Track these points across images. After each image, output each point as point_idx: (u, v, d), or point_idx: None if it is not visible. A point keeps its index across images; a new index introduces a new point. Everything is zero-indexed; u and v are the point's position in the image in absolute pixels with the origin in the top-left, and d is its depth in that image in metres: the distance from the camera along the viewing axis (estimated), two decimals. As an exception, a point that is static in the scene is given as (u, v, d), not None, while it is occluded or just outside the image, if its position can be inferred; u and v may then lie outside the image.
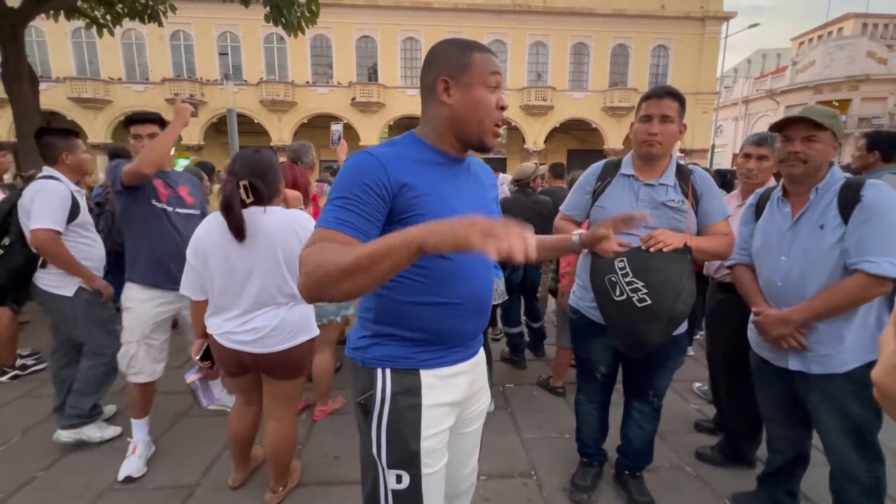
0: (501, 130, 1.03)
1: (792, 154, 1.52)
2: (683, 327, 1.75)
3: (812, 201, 1.53)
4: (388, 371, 1.02)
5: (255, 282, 1.69)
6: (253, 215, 1.67)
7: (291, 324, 1.75)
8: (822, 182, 1.52)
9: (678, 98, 1.63)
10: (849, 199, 1.45)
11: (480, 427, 1.25)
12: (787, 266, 1.56)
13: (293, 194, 2.33)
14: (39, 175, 2.31)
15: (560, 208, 1.96)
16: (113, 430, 2.46)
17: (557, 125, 23.14)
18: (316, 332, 1.89)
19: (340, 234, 0.85)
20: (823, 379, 1.51)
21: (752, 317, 1.68)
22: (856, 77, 25.56)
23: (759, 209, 1.75)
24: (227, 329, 1.72)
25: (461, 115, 0.98)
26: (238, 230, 1.63)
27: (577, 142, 25.11)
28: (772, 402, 1.76)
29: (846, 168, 2.72)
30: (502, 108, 1.01)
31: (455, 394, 1.08)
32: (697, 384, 3.12)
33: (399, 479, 1.02)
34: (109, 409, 2.69)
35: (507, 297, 2.63)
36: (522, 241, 0.64)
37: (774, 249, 1.62)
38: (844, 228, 1.44)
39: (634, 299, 1.54)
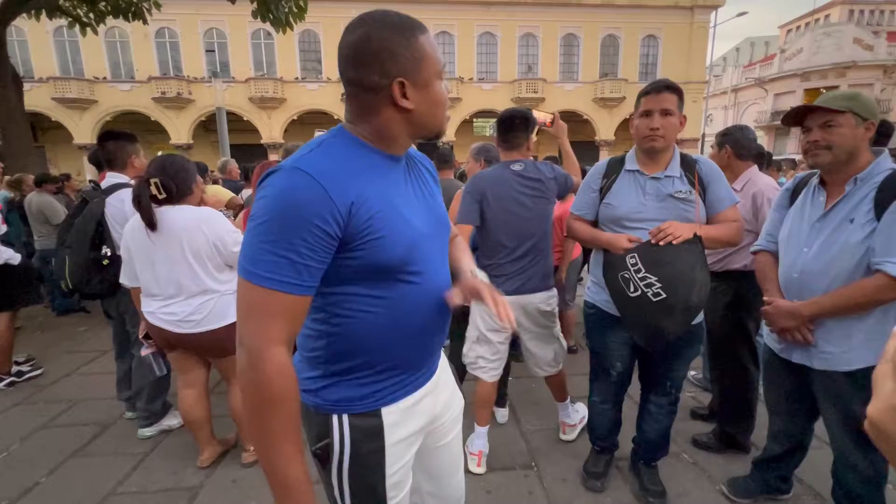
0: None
1: (812, 143, 1.43)
2: (700, 316, 1.75)
3: (848, 192, 1.42)
4: (345, 417, 0.90)
5: (168, 272, 1.93)
6: (163, 212, 1.89)
7: (206, 311, 1.96)
8: (864, 172, 1.40)
9: (676, 91, 1.63)
10: (887, 194, 1.33)
11: (460, 433, 1.17)
12: (808, 259, 1.48)
13: (213, 199, 2.45)
14: (111, 182, 2.37)
15: (570, 209, 1.95)
16: None
17: (549, 117, 23.11)
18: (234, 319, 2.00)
19: (292, 298, 0.75)
20: (826, 375, 1.50)
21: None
22: (842, 64, 25.74)
23: (794, 195, 1.65)
24: (152, 309, 1.99)
25: (423, 118, 0.86)
26: (149, 221, 1.85)
27: (570, 133, 24.77)
28: (776, 393, 1.75)
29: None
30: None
31: (421, 420, 1.00)
32: (692, 372, 3.18)
33: None
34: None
35: None
36: None
37: (799, 239, 1.53)
38: (875, 224, 1.34)
39: (649, 294, 1.53)
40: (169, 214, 1.89)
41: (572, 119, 23.96)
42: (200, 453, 2.23)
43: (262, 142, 21.71)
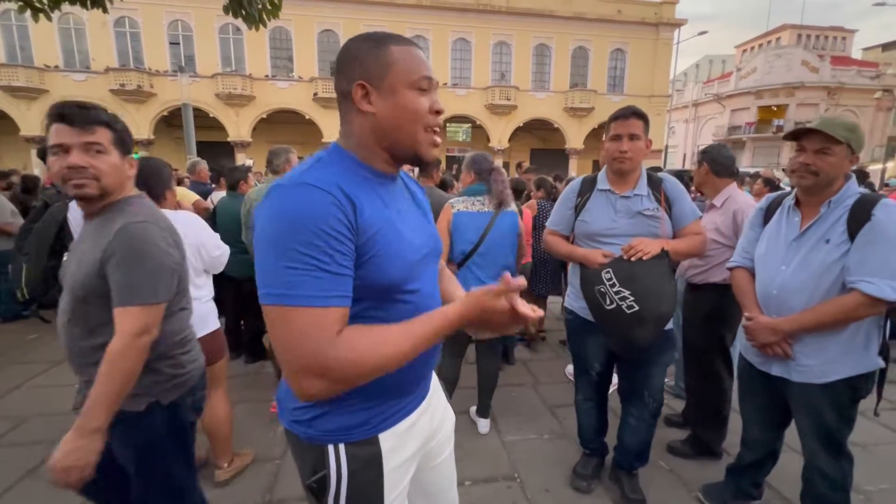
0: (438, 139, 0.88)
1: (802, 165, 1.49)
2: (670, 324, 1.85)
3: (822, 214, 1.50)
4: (341, 446, 0.86)
5: None
6: None
7: None
8: (836, 196, 1.48)
9: (642, 117, 1.78)
10: (859, 217, 1.41)
11: (452, 451, 1.16)
12: (786, 277, 1.55)
13: (185, 204, 2.39)
14: None
15: (546, 224, 2.06)
16: None
17: (521, 124, 23.50)
18: (213, 327, 1.99)
19: (339, 311, 0.73)
20: (803, 387, 1.57)
21: (743, 320, 1.72)
22: (792, 84, 27.55)
23: (768, 214, 1.73)
24: None
25: (387, 126, 0.83)
26: None
27: (540, 141, 25.62)
28: (752, 404, 1.83)
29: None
30: (437, 113, 0.86)
31: (417, 441, 0.98)
32: (665, 380, 3.28)
33: None
34: None
35: None
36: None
37: (776, 258, 1.60)
38: (849, 245, 1.42)
39: (623, 307, 1.63)
40: None
41: (544, 127, 24.52)
42: None
43: (228, 139, 20.98)
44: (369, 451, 0.89)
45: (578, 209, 1.91)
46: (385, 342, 0.75)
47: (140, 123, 20.18)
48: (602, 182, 1.87)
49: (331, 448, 0.86)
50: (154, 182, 1.84)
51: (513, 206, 2.51)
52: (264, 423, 2.67)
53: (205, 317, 1.93)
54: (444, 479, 1.15)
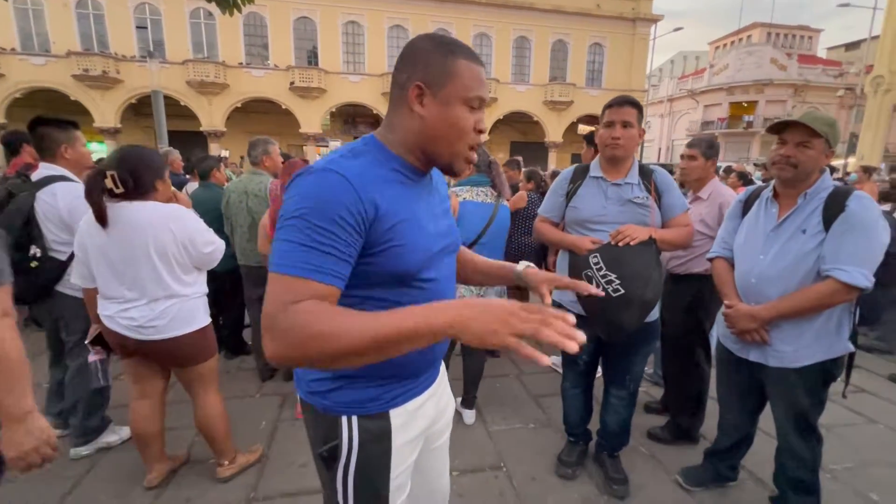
0: (475, 156, 0.91)
1: (783, 157, 1.54)
2: (655, 314, 1.90)
3: (799, 206, 1.57)
4: (354, 418, 0.92)
5: (128, 272, 1.75)
6: (120, 207, 1.72)
7: (168, 317, 1.79)
8: (812, 188, 1.55)
9: (636, 106, 1.79)
10: (833, 208, 1.48)
11: (448, 437, 1.21)
12: (764, 265, 1.61)
13: (184, 199, 2.30)
14: (44, 174, 2.09)
15: (538, 211, 2.08)
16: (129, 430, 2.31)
17: (501, 117, 23.55)
18: (203, 323, 1.91)
19: (318, 286, 0.72)
20: (779, 371, 1.64)
21: (722, 308, 1.78)
22: (761, 81, 28.39)
23: (746, 206, 1.80)
24: (110, 313, 1.79)
25: (432, 132, 0.85)
26: (99, 216, 1.68)
27: (520, 134, 25.74)
28: (729, 390, 1.91)
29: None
30: (479, 132, 0.89)
31: (424, 422, 1.03)
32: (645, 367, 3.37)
33: None
34: None
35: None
36: (566, 329, 0.69)
37: (755, 248, 1.66)
38: (824, 235, 1.48)
39: (609, 290, 1.67)
40: (128, 211, 1.72)
41: (523, 120, 24.63)
42: (148, 472, 2.04)
43: (201, 129, 20.30)
44: (380, 426, 0.93)
45: (570, 196, 1.93)
46: (341, 321, 0.68)
47: (106, 111, 19.33)
48: (595, 170, 1.90)
49: (344, 419, 0.92)
50: (142, 172, 1.74)
51: (504, 200, 2.56)
52: (246, 419, 2.62)
53: (192, 312, 1.86)
54: (440, 463, 1.20)
